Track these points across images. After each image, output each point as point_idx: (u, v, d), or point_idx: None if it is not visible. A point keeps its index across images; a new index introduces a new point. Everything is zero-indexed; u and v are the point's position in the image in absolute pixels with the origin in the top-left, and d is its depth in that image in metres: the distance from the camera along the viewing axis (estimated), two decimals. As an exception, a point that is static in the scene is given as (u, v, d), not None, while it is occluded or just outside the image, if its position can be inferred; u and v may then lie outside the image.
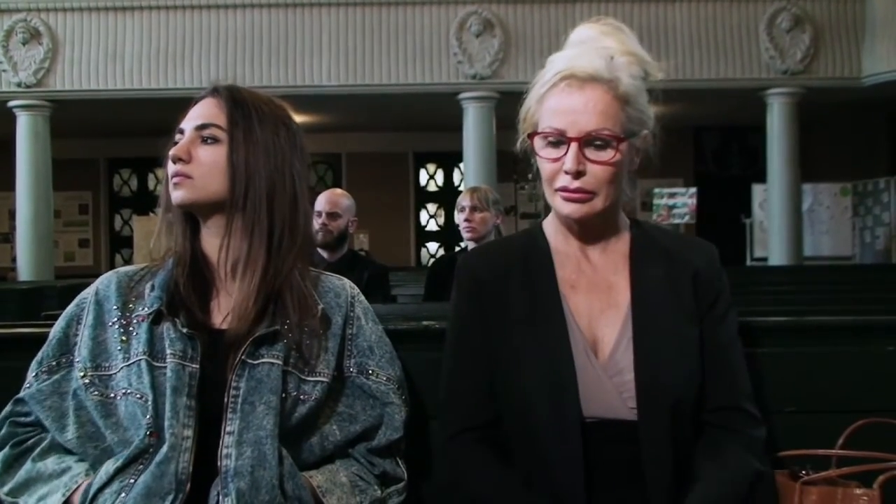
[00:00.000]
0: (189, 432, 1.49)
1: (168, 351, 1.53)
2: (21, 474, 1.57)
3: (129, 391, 1.53)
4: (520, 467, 1.61)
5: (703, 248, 1.70)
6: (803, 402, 1.87)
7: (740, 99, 11.08)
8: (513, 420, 1.62)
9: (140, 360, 1.54)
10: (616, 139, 1.55)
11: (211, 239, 1.66)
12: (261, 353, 1.55)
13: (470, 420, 1.65)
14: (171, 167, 1.61)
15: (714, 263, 1.68)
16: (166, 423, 1.48)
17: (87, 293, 1.66)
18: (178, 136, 1.65)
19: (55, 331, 1.65)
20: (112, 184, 15.12)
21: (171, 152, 1.61)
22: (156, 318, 1.57)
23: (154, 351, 1.55)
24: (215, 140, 1.62)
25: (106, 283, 1.66)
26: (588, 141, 1.55)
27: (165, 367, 1.52)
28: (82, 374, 1.58)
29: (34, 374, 1.62)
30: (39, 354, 1.64)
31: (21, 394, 1.62)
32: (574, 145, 1.55)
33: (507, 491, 1.59)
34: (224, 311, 1.62)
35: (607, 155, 1.55)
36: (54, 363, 1.62)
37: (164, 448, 1.47)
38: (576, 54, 1.59)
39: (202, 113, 1.65)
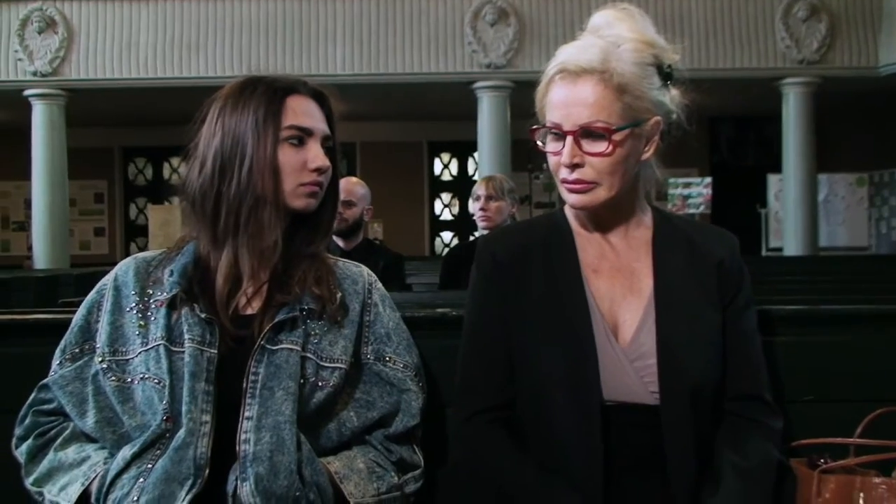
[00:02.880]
0: (207, 417, 1.49)
1: (186, 336, 1.53)
2: (44, 464, 1.58)
3: (146, 376, 1.54)
4: (535, 451, 1.61)
5: (725, 239, 1.70)
6: (821, 391, 1.86)
7: (756, 89, 11.02)
8: (530, 402, 1.62)
9: (158, 345, 1.54)
10: (609, 131, 1.54)
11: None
12: (280, 339, 1.55)
13: (486, 401, 1.65)
14: (313, 177, 1.63)
15: (736, 254, 1.68)
16: (184, 409, 1.48)
17: (107, 279, 1.67)
18: (288, 133, 1.62)
19: (77, 318, 1.65)
20: (127, 172, 15.17)
21: (320, 163, 1.63)
22: (174, 303, 1.57)
23: (172, 336, 1.55)
24: (332, 151, 1.69)
25: (124, 268, 1.66)
26: (584, 133, 1.55)
27: (183, 352, 1.53)
28: (100, 359, 1.58)
29: (58, 361, 1.63)
30: (62, 342, 1.64)
31: (45, 380, 1.63)
32: (570, 138, 1.56)
33: (522, 472, 1.59)
34: (242, 297, 1.62)
35: (602, 146, 1.55)
36: (77, 350, 1.63)
37: (182, 433, 1.47)
38: (577, 46, 1.59)
39: (318, 118, 1.68)
